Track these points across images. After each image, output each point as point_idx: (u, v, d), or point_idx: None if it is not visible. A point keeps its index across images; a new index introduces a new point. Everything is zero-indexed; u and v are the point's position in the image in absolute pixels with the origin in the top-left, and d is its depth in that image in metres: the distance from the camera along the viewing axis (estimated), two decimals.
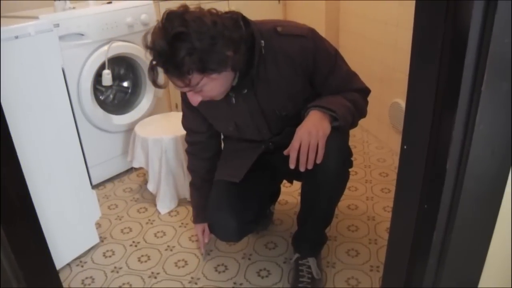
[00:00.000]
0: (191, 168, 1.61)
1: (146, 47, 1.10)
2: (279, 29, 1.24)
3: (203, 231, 1.63)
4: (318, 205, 1.36)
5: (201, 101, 1.21)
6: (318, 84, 1.31)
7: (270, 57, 1.23)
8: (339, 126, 1.23)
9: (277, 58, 1.23)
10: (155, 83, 1.20)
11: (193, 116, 1.46)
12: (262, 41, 1.21)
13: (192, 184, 1.63)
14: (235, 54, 1.12)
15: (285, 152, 1.20)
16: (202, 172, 1.57)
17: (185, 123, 1.53)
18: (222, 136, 1.60)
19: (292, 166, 1.18)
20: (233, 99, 1.30)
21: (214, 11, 1.13)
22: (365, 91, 1.37)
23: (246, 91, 1.27)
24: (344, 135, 1.35)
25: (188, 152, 1.60)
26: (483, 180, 0.65)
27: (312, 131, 1.17)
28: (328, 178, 1.27)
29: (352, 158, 1.40)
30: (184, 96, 1.39)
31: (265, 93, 1.29)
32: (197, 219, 1.63)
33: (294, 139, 1.19)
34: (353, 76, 1.36)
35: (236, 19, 1.15)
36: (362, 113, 1.35)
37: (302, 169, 1.18)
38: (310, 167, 1.18)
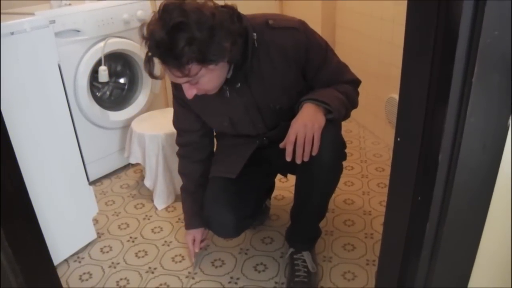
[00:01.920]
0: (183, 172, 1.57)
1: (143, 38, 1.09)
2: (270, 22, 1.24)
3: (193, 240, 1.59)
4: (312, 199, 1.37)
5: (195, 95, 1.20)
6: (310, 76, 1.31)
7: (263, 51, 1.24)
8: (333, 118, 1.24)
9: (270, 51, 1.24)
10: (151, 74, 1.19)
11: (186, 114, 1.44)
12: (255, 34, 1.21)
13: (184, 189, 1.58)
14: (233, 46, 1.12)
15: (281, 145, 1.20)
16: (196, 176, 1.53)
17: (176, 123, 1.50)
18: (215, 134, 1.58)
19: (288, 158, 1.18)
20: (227, 93, 1.29)
21: (211, 3, 1.14)
22: (356, 82, 1.38)
23: (239, 85, 1.27)
24: (337, 127, 1.36)
25: (179, 155, 1.56)
26: (475, 172, 0.65)
27: (307, 124, 1.18)
28: (323, 171, 1.28)
29: (347, 151, 1.41)
30: (176, 94, 1.39)
31: (259, 87, 1.29)
32: (189, 225, 1.58)
33: (289, 132, 1.19)
34: (344, 67, 1.37)
35: (232, 13, 1.16)
36: (354, 105, 1.36)
37: (298, 161, 1.18)
38: (306, 159, 1.18)
